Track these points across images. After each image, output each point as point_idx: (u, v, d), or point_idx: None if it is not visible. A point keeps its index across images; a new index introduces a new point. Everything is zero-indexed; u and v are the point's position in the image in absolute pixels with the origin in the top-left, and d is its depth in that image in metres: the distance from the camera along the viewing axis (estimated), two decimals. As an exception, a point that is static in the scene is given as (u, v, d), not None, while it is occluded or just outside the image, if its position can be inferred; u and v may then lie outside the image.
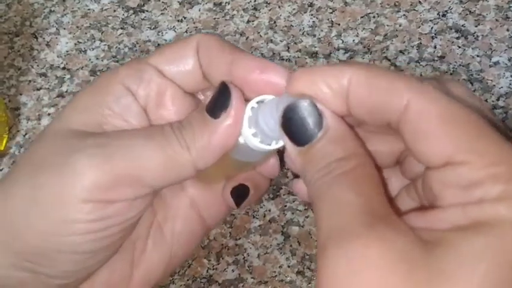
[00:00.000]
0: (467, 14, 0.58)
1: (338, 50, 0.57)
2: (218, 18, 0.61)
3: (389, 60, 0.56)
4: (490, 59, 0.55)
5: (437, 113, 0.21)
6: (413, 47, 0.57)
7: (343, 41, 0.58)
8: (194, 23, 0.61)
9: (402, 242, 0.20)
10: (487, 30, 0.57)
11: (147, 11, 0.62)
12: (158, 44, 0.60)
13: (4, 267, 0.26)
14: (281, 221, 0.49)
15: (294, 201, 0.49)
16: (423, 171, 0.23)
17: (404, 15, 0.59)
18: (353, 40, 0.58)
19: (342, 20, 0.59)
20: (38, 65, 0.60)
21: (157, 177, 0.26)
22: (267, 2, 0.61)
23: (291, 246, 0.47)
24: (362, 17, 0.59)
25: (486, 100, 0.53)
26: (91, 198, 0.25)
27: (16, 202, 0.26)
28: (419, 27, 0.58)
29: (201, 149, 0.26)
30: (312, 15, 0.60)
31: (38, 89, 0.58)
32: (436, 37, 0.57)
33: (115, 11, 0.63)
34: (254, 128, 0.26)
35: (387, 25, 0.58)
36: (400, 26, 0.58)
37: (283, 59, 0.57)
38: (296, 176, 0.27)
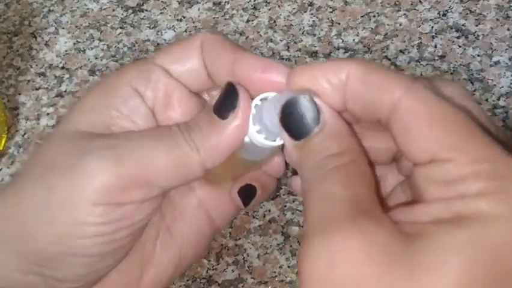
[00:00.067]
0: (467, 14, 0.58)
1: (338, 49, 0.57)
2: (217, 17, 0.61)
3: (389, 59, 0.56)
4: (491, 59, 0.55)
5: (425, 111, 0.22)
6: (413, 46, 0.56)
7: (343, 41, 0.58)
8: (193, 22, 0.61)
9: (383, 236, 0.20)
10: (487, 30, 0.56)
11: (146, 10, 0.62)
12: (158, 44, 0.60)
13: (12, 271, 0.26)
14: (281, 221, 0.48)
15: (294, 202, 0.49)
16: None
17: (404, 14, 0.58)
18: (353, 39, 0.57)
19: (342, 20, 0.59)
20: (37, 65, 0.60)
21: (167, 178, 0.26)
22: (266, 2, 0.61)
23: (291, 246, 0.47)
24: (362, 16, 0.59)
25: (487, 100, 0.53)
26: (101, 201, 0.25)
27: (27, 205, 0.26)
28: (420, 26, 0.58)
29: (209, 150, 0.26)
30: (312, 14, 0.60)
31: (37, 89, 0.58)
32: (437, 36, 0.57)
33: (114, 10, 0.63)
34: (258, 125, 0.26)
35: (388, 24, 0.58)
36: (400, 25, 0.58)
37: (283, 59, 0.57)
38: (295, 173, 0.27)
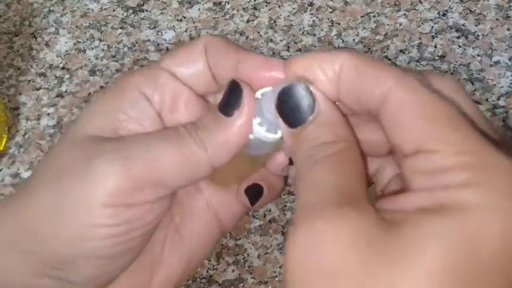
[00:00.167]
0: (467, 14, 0.58)
1: (338, 49, 0.57)
2: (218, 17, 0.61)
3: (390, 59, 0.56)
4: (491, 59, 0.55)
5: (413, 103, 0.22)
6: (413, 46, 0.56)
7: (343, 41, 0.58)
8: (194, 22, 0.61)
9: (365, 224, 0.21)
10: (487, 30, 0.57)
11: (146, 10, 0.62)
12: (158, 44, 0.60)
13: (28, 275, 0.27)
14: (281, 221, 0.48)
15: (294, 201, 0.49)
16: None
17: (404, 14, 0.59)
18: (353, 39, 0.57)
19: (342, 20, 0.59)
20: (37, 65, 0.60)
21: (175, 177, 0.27)
22: (267, 2, 0.61)
23: (291, 246, 0.47)
24: (362, 16, 0.59)
25: (487, 100, 0.53)
26: (111, 203, 0.25)
27: (42, 207, 0.26)
28: (420, 26, 0.58)
29: (217, 147, 0.27)
30: (312, 14, 0.60)
31: (38, 89, 0.58)
32: (436, 36, 0.57)
33: (114, 10, 0.63)
34: (259, 118, 0.27)
35: (388, 24, 0.58)
36: (400, 25, 0.58)
37: (283, 59, 0.57)
38: (292, 163, 0.28)
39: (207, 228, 0.31)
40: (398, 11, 0.59)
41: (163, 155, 0.26)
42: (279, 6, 0.61)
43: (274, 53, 0.57)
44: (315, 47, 0.57)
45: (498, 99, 0.53)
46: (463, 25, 0.57)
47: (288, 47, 0.58)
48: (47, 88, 0.58)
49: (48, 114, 0.56)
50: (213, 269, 0.47)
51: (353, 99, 0.24)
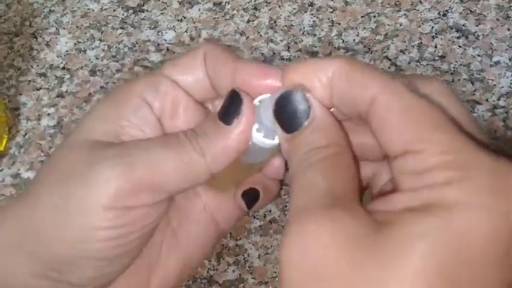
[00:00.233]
0: (467, 14, 0.58)
1: (339, 49, 0.57)
2: (218, 17, 0.61)
3: (390, 59, 0.56)
4: (491, 59, 0.55)
5: (400, 106, 0.23)
6: (413, 46, 0.56)
7: (343, 41, 0.58)
8: (194, 22, 0.61)
9: (356, 225, 0.21)
10: (487, 30, 0.56)
11: (147, 10, 0.62)
12: (158, 44, 0.60)
13: (27, 277, 0.27)
14: (282, 221, 0.48)
15: (294, 202, 0.49)
16: None
17: (404, 14, 0.59)
18: (354, 40, 0.57)
19: (342, 20, 0.59)
20: (37, 65, 0.60)
21: (175, 183, 0.27)
22: (267, 2, 0.61)
23: (291, 246, 0.47)
24: (362, 16, 0.59)
25: (487, 100, 0.53)
26: (112, 206, 0.26)
27: (46, 210, 0.27)
28: (420, 26, 0.58)
29: (215, 155, 0.27)
30: (312, 14, 0.60)
31: (38, 89, 0.58)
32: (437, 37, 0.57)
33: (114, 10, 0.63)
34: (257, 124, 0.27)
35: (388, 25, 0.58)
36: (401, 25, 0.58)
37: (283, 59, 0.57)
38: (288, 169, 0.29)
39: (204, 231, 0.32)
40: (399, 11, 0.59)
41: (163, 161, 0.27)
42: (279, 7, 0.61)
43: (274, 53, 0.57)
44: (316, 47, 0.57)
45: (498, 99, 0.53)
46: (463, 25, 0.57)
47: (289, 47, 0.58)
48: (47, 88, 0.58)
49: (48, 114, 0.56)
50: (214, 270, 0.47)
51: (345, 104, 0.25)
